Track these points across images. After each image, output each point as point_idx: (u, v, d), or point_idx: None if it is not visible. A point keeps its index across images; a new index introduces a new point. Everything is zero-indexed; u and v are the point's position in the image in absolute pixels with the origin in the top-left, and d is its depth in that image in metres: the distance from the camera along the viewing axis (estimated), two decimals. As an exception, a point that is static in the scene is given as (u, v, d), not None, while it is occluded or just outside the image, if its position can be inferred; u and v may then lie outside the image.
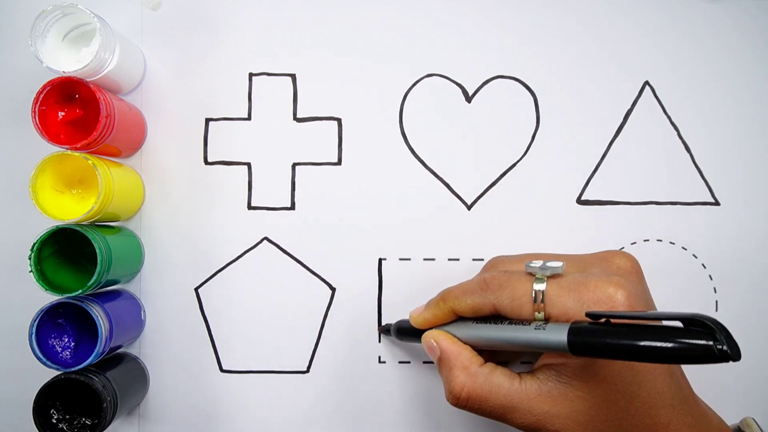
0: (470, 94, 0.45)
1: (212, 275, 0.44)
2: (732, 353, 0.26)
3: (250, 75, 0.44)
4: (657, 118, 0.44)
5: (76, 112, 0.39)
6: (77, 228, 0.37)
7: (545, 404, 0.33)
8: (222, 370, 0.44)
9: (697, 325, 0.27)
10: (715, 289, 0.44)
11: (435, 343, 0.37)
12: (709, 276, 0.44)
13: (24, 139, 0.43)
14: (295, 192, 0.44)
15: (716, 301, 0.44)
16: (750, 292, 0.44)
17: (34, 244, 0.37)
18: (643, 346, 0.27)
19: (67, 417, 0.38)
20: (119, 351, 0.43)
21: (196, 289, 0.44)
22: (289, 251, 0.44)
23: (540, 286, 0.33)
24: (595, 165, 0.44)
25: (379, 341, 0.44)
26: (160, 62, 0.44)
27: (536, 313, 0.33)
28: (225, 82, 0.44)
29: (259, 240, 0.44)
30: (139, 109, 0.44)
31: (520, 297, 0.34)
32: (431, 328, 0.38)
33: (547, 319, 0.33)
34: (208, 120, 0.44)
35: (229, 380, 0.44)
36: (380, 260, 0.44)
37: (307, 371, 0.44)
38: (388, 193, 0.44)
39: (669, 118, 0.44)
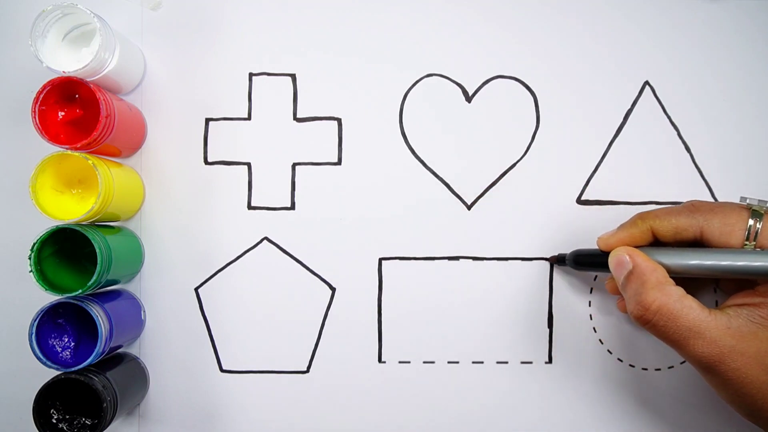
0: (470, 94, 0.45)
1: (212, 275, 0.44)
2: None
3: (250, 75, 0.44)
4: (657, 118, 0.44)
5: (76, 112, 0.39)
6: (77, 228, 0.37)
7: (732, 339, 0.33)
8: (222, 370, 0.44)
9: None
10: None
11: (628, 257, 0.36)
12: (709, 276, 0.44)
13: (24, 139, 0.43)
14: (295, 192, 0.44)
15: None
16: (750, 292, 0.44)
17: (34, 244, 0.37)
18: None
19: (67, 417, 0.38)
20: (119, 351, 0.43)
21: (196, 289, 0.44)
22: (289, 251, 0.44)
23: (756, 218, 0.34)
24: (595, 165, 0.44)
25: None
26: (160, 62, 0.44)
27: (746, 243, 0.33)
28: (225, 82, 0.44)
29: (259, 240, 0.44)
30: (139, 109, 0.44)
31: (732, 223, 0.34)
32: None
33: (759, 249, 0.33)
34: (208, 120, 0.44)
35: (229, 380, 0.44)
36: (380, 260, 0.44)
37: (307, 371, 0.44)
38: (388, 193, 0.44)
39: (669, 118, 0.44)
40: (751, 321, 0.33)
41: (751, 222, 0.34)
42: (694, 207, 0.36)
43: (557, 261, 0.43)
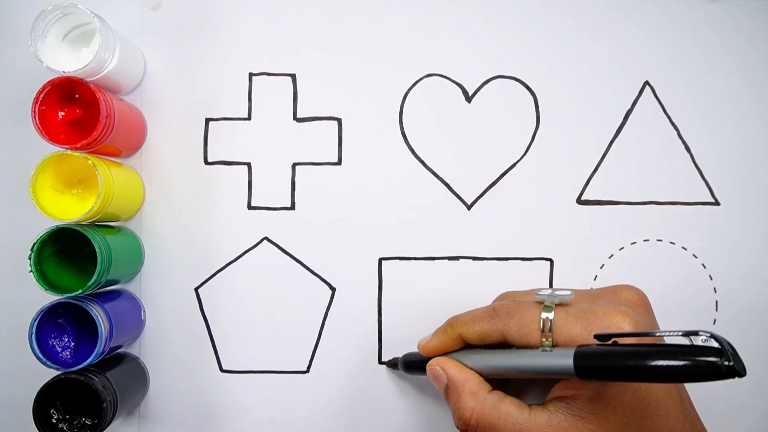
0: (470, 94, 0.45)
1: (212, 275, 0.44)
2: (738, 369, 0.26)
3: (250, 75, 0.44)
4: (657, 118, 0.44)
5: (76, 112, 0.39)
6: (77, 228, 0.37)
7: None
8: (222, 370, 0.44)
9: (703, 341, 0.27)
10: (715, 289, 0.44)
11: (441, 370, 0.36)
12: (709, 276, 0.44)
13: (24, 139, 0.43)
14: (295, 192, 0.44)
15: (716, 301, 0.44)
16: (750, 292, 0.44)
17: (34, 244, 0.37)
18: (649, 365, 0.27)
19: (67, 417, 0.38)
20: (119, 351, 0.43)
21: (196, 289, 0.44)
22: (289, 251, 0.44)
23: (548, 314, 0.33)
24: (595, 165, 0.44)
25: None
26: (160, 62, 0.44)
27: (543, 340, 0.33)
28: (225, 82, 0.44)
29: (259, 240, 0.44)
30: (139, 109, 0.44)
31: (528, 324, 0.34)
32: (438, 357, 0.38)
33: (554, 346, 0.33)
34: (208, 120, 0.44)
35: (229, 380, 0.44)
36: (380, 260, 0.44)
37: (307, 371, 0.44)
38: (388, 193, 0.44)
39: (669, 118, 0.44)
40: (570, 414, 0.33)
41: (543, 317, 0.33)
42: (494, 311, 0.35)
43: (391, 365, 0.43)
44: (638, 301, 0.35)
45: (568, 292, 0.33)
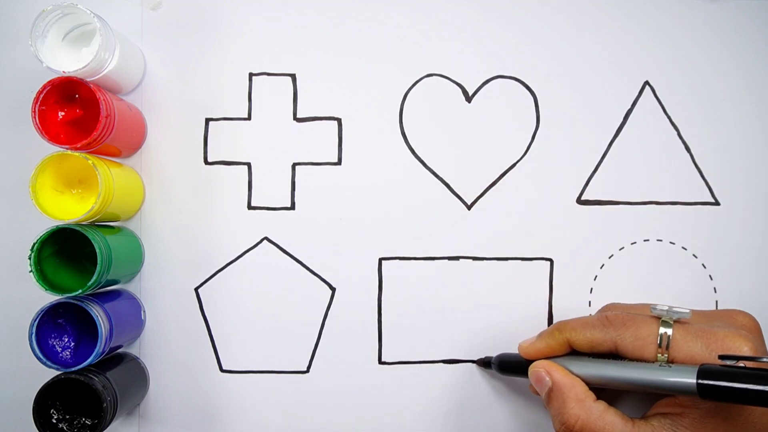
0: (470, 94, 0.45)
1: (212, 275, 0.44)
2: None
3: (250, 75, 0.44)
4: (657, 118, 0.44)
5: (76, 112, 0.39)
6: (77, 228, 0.37)
7: None
8: (222, 370, 0.44)
9: None
10: (715, 289, 0.44)
11: (546, 374, 0.36)
12: (709, 276, 0.44)
13: (24, 139, 0.43)
14: (295, 192, 0.44)
15: (716, 301, 0.44)
16: (750, 292, 0.44)
17: (34, 244, 0.37)
18: None
19: (67, 417, 0.38)
20: (119, 351, 0.43)
21: (196, 289, 0.44)
22: (289, 251, 0.44)
23: (666, 329, 0.33)
24: (595, 165, 0.44)
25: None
26: (160, 62, 0.44)
27: (659, 355, 0.33)
28: (225, 82, 0.44)
29: (259, 240, 0.44)
30: (139, 109, 0.44)
31: (644, 337, 0.34)
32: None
33: (671, 362, 0.33)
34: (208, 120, 0.44)
35: (229, 380, 0.44)
36: (380, 260, 0.44)
37: (307, 371, 0.44)
38: (388, 193, 0.44)
39: (669, 118, 0.45)
40: (675, 431, 0.33)
41: (662, 332, 0.33)
42: (607, 320, 0.35)
43: (483, 364, 0.43)
44: (753, 327, 0.35)
45: (687, 310, 0.33)
